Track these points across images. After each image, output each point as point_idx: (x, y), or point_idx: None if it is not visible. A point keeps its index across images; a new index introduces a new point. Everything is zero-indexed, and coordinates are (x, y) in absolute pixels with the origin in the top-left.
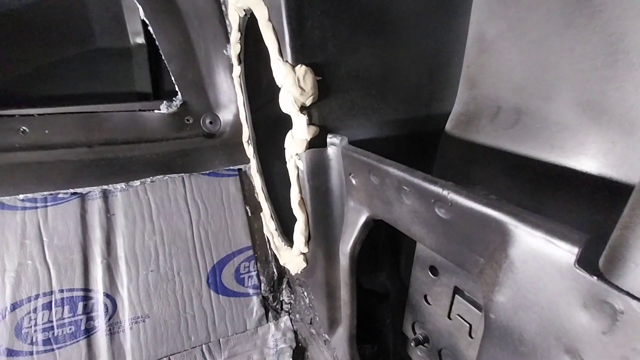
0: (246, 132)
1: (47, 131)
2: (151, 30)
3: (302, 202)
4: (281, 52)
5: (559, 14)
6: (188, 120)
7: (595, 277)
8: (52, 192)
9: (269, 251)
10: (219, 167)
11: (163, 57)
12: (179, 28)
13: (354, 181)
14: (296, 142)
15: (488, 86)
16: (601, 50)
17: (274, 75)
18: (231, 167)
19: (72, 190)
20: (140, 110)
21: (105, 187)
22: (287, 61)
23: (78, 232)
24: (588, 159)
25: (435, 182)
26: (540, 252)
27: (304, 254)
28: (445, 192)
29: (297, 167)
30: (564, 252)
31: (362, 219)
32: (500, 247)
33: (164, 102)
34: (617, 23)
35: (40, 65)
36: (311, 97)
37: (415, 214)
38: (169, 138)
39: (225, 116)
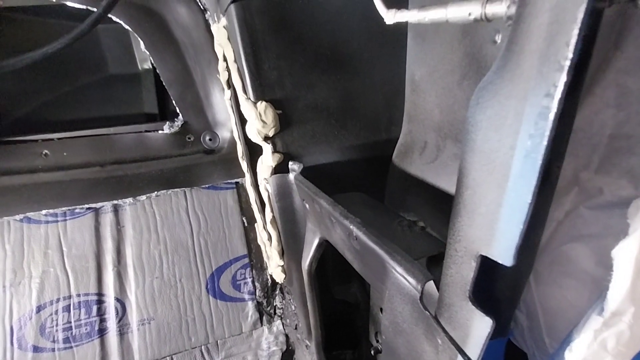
0: (240, 148)
1: (65, 153)
2: (152, 60)
3: (274, 220)
4: (245, 90)
5: (458, 67)
6: (189, 138)
7: (428, 313)
8: (70, 208)
9: (264, 259)
10: (218, 180)
11: (164, 83)
12: (177, 57)
13: (307, 206)
14: (264, 167)
15: (419, 122)
16: None
17: (241, 109)
18: (229, 181)
19: (87, 205)
20: (146, 131)
21: (115, 201)
22: (249, 98)
23: (92, 242)
24: None
25: (347, 217)
26: (403, 286)
27: (281, 266)
28: (352, 227)
29: (267, 190)
30: (413, 289)
31: (317, 240)
32: (384, 278)
33: (167, 123)
34: None
35: (60, 93)
36: (273, 129)
37: (342, 241)
38: (172, 155)
39: (224, 133)
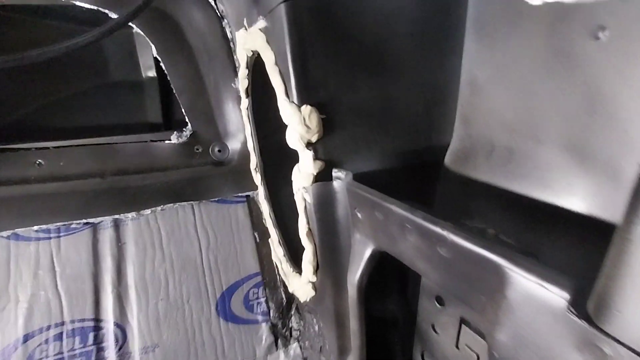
0: (254, 160)
1: (62, 163)
2: (163, 66)
3: (310, 232)
4: (287, 93)
5: (541, 64)
6: (197, 149)
7: (585, 322)
8: (66, 223)
9: (278, 277)
10: (228, 194)
11: (174, 90)
12: (189, 63)
13: (359, 215)
14: (303, 175)
15: (482, 125)
16: (581, 101)
17: (281, 114)
18: (239, 194)
19: (84, 220)
20: (151, 140)
21: (116, 216)
22: (293, 101)
23: (90, 261)
24: (577, 200)
25: (436, 222)
26: (534, 296)
27: (312, 282)
28: (444, 233)
29: (305, 200)
30: (556, 297)
31: (368, 252)
32: (498, 288)
33: (175, 132)
34: (595, 79)
35: (57, 98)
36: (316, 134)
37: (418, 250)
38: (179, 167)
39: (234, 144)
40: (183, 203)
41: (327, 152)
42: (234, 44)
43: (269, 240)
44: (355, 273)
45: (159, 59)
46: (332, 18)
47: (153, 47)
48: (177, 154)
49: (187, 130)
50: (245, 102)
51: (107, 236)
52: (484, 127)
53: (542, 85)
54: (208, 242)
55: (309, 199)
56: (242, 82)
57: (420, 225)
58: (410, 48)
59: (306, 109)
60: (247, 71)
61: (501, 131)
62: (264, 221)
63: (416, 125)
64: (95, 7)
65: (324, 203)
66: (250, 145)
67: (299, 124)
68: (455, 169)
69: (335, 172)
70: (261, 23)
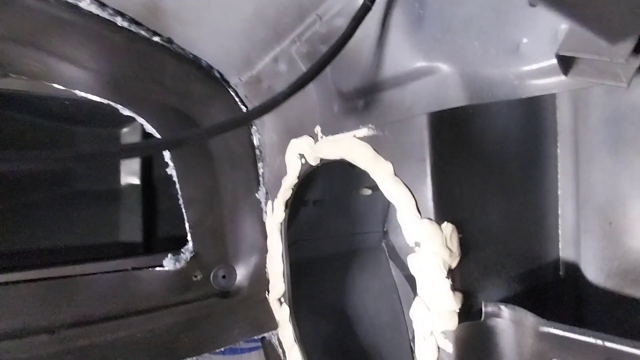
0: (278, 288)
1: None
2: (173, 173)
3: None
4: (419, 209)
5: None
6: (196, 276)
7: None
8: None
9: None
10: (239, 338)
11: (181, 202)
12: (207, 171)
13: None
14: (439, 315)
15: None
16: None
17: (406, 233)
18: (253, 338)
19: None
20: (133, 268)
21: None
22: (429, 218)
23: None
24: None
25: None
26: None
27: None
28: None
29: (439, 349)
30: None
31: None
32: None
33: (169, 255)
34: None
35: None
36: (457, 259)
37: None
38: (170, 305)
39: (244, 268)
40: None
41: (464, 281)
42: (260, 151)
43: None
44: None
45: (171, 163)
46: (466, 134)
47: (167, 152)
48: (168, 285)
49: (187, 252)
50: (281, 215)
51: None
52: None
53: None
54: None
55: (448, 348)
56: (284, 193)
57: None
58: (519, 168)
59: (448, 227)
60: (296, 181)
61: None
62: None
63: (530, 245)
64: (106, 102)
65: (473, 352)
66: (275, 269)
67: (440, 247)
68: (614, 288)
69: (489, 308)
70: (364, 131)
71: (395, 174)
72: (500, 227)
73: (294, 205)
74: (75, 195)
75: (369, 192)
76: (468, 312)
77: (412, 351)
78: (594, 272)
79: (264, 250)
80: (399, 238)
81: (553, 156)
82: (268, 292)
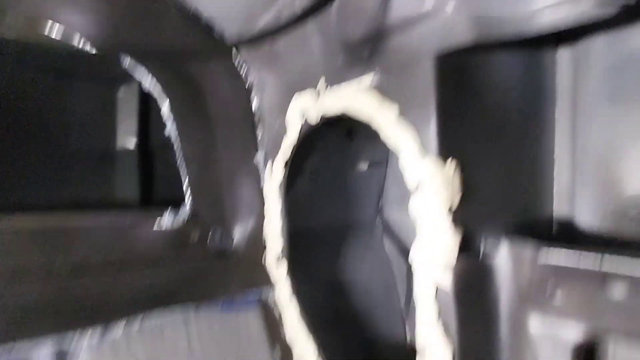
0: (275, 247)
1: None
2: (172, 129)
3: (447, 332)
4: (423, 150)
5: None
6: (193, 236)
7: None
8: None
9: None
10: (236, 293)
11: (180, 158)
12: (205, 131)
13: (558, 296)
14: (438, 251)
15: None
16: None
17: (408, 175)
18: (249, 295)
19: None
20: (130, 224)
21: (62, 339)
22: (433, 156)
23: None
24: None
25: None
26: None
27: None
28: None
29: (438, 285)
30: None
31: (572, 345)
32: None
33: (167, 211)
34: None
35: None
36: (458, 198)
37: None
38: (166, 261)
39: (240, 231)
40: (174, 312)
41: (464, 221)
42: (259, 115)
43: (295, 358)
44: None
45: (171, 117)
46: (470, 82)
47: (167, 101)
48: (166, 242)
49: (185, 210)
50: (278, 177)
51: None
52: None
53: None
54: None
55: (446, 282)
56: (284, 153)
57: None
58: (518, 124)
59: (451, 165)
60: (296, 141)
61: None
62: (282, 332)
63: (525, 199)
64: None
65: (471, 285)
66: (273, 229)
67: (443, 183)
68: (608, 231)
69: (488, 242)
70: (369, 78)
71: (399, 118)
72: (497, 176)
73: (291, 173)
74: (71, 153)
75: (365, 166)
76: (467, 250)
77: (404, 320)
78: (587, 221)
79: (260, 215)
80: (394, 213)
81: (551, 117)
82: (264, 255)
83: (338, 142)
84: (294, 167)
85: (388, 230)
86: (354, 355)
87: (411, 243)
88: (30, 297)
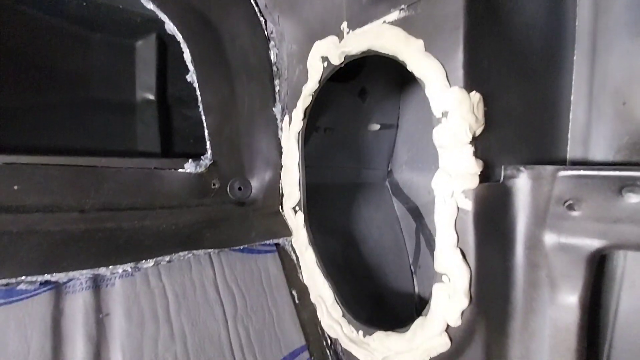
0: (294, 197)
1: (16, 187)
2: (193, 78)
3: (463, 256)
4: (449, 80)
5: None
6: (214, 184)
7: None
8: (11, 282)
9: (328, 351)
10: (255, 240)
11: (201, 108)
12: (225, 80)
13: (575, 209)
14: (460, 177)
15: None
16: None
17: (434, 105)
18: (268, 242)
19: (43, 278)
20: (155, 168)
21: (97, 271)
22: (459, 86)
23: (46, 348)
24: None
25: None
26: None
27: (450, 329)
28: None
29: (458, 209)
30: None
31: (587, 254)
32: None
33: (190, 160)
34: None
35: (8, 108)
36: (482, 127)
37: None
38: (191, 205)
39: (257, 182)
40: (198, 252)
41: (485, 152)
42: (277, 67)
43: (312, 299)
44: (573, 290)
45: (192, 69)
46: (497, 14)
47: (188, 51)
48: (189, 188)
49: (206, 159)
50: (297, 125)
51: (79, 304)
52: None
53: None
54: (235, 307)
55: (467, 206)
56: (304, 100)
57: None
58: (540, 61)
59: (476, 96)
60: (318, 86)
61: None
62: (300, 276)
63: (543, 137)
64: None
65: (492, 210)
66: (291, 179)
67: (468, 112)
68: (622, 160)
69: (509, 171)
70: (395, 14)
71: (425, 50)
72: (518, 110)
73: (308, 127)
74: (95, 103)
75: (377, 127)
76: (488, 178)
77: (413, 274)
78: (602, 153)
79: (278, 166)
80: (403, 175)
81: (570, 59)
82: (282, 205)
83: (351, 102)
84: (309, 125)
85: (397, 191)
86: (364, 304)
87: (419, 204)
88: (64, 233)
